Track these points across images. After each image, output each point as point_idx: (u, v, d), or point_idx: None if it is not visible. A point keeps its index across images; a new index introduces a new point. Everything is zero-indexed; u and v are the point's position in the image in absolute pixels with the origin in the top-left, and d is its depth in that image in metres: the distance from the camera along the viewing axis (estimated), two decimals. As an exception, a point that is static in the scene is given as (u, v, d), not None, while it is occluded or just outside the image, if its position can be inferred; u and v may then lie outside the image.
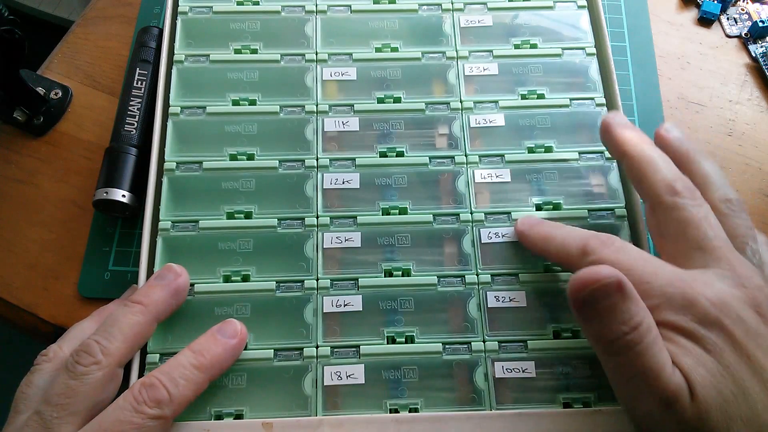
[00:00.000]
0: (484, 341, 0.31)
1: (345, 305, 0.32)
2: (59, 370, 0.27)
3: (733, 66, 0.43)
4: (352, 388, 0.30)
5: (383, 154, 0.35)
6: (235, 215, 0.33)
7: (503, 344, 0.31)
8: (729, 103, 0.41)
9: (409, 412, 0.30)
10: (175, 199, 0.34)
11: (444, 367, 0.31)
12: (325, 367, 0.30)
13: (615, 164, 0.35)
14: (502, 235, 0.33)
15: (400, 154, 0.35)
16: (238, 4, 0.38)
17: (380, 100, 0.36)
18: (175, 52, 0.37)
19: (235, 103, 0.36)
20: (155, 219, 0.33)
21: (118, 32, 0.42)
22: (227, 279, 0.32)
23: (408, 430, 0.29)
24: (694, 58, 0.43)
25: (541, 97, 0.36)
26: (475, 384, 0.30)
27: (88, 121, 0.40)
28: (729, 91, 0.42)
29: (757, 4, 0.44)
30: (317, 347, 0.31)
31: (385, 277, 0.32)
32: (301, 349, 0.31)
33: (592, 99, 0.36)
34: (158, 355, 0.30)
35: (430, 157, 0.35)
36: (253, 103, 0.36)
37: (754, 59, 0.43)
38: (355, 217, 0.33)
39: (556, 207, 0.34)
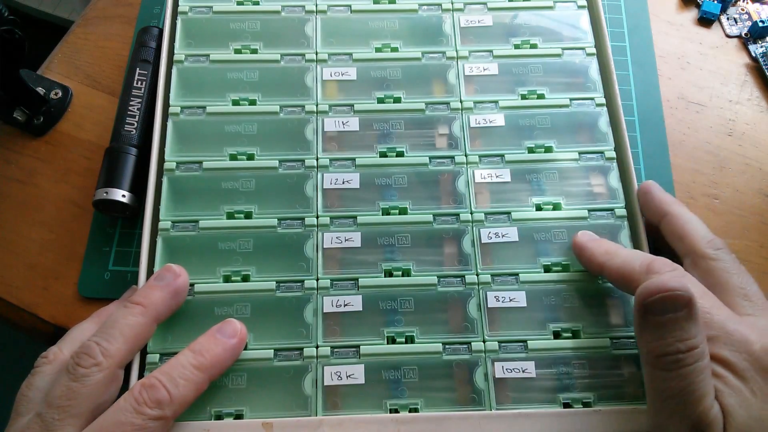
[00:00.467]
0: (484, 341, 0.31)
1: (345, 305, 0.32)
2: (60, 372, 0.27)
3: (733, 66, 0.43)
4: (352, 388, 0.30)
5: (383, 154, 0.35)
6: (235, 215, 0.33)
7: (503, 344, 0.31)
8: (729, 103, 0.41)
9: (409, 412, 0.30)
10: (175, 199, 0.34)
11: (444, 367, 0.31)
12: (325, 367, 0.30)
13: (615, 164, 0.35)
14: (502, 235, 0.33)
15: (400, 154, 0.35)
16: (238, 4, 0.38)
17: (380, 100, 0.36)
18: (175, 52, 0.37)
19: (235, 103, 0.36)
20: (155, 219, 0.33)
21: (118, 32, 0.42)
22: (227, 279, 0.32)
23: (408, 430, 0.29)
24: (694, 58, 0.43)
25: (541, 97, 0.36)
26: (475, 384, 0.30)
27: (88, 121, 0.40)
28: (729, 91, 0.42)
29: (757, 4, 0.44)
30: (317, 347, 0.31)
31: (385, 277, 0.32)
32: (301, 349, 0.31)
33: (592, 99, 0.36)
34: (158, 355, 0.30)
35: (430, 157, 0.35)
36: (253, 103, 0.36)
37: (754, 59, 0.43)
38: (355, 217, 0.33)
39: (556, 207, 0.34)
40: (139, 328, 0.28)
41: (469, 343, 0.31)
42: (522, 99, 0.36)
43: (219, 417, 0.29)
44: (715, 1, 0.44)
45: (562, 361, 0.31)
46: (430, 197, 0.34)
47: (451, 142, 0.35)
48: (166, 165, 0.34)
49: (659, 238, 0.32)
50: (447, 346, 0.31)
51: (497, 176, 0.34)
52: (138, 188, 0.35)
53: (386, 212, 0.34)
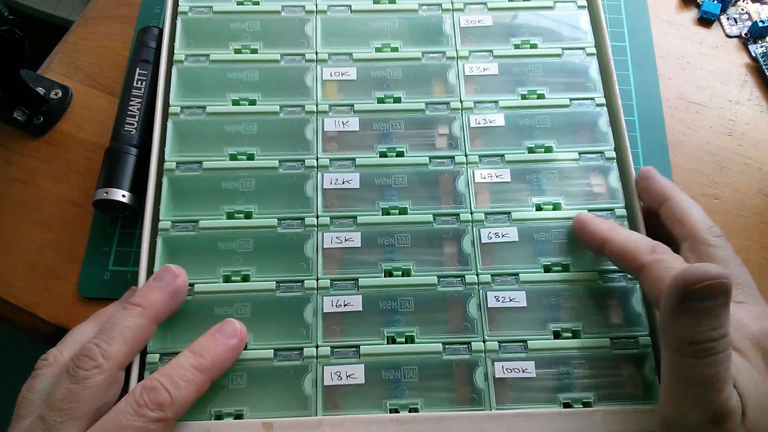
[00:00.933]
0: (484, 341, 0.31)
1: (345, 305, 0.32)
2: (60, 374, 0.27)
3: (733, 66, 0.43)
4: (352, 388, 0.30)
5: (383, 154, 0.35)
6: (235, 215, 0.33)
7: (503, 344, 0.31)
8: (729, 103, 0.41)
9: (409, 412, 0.30)
10: (175, 199, 0.34)
11: (444, 367, 0.31)
12: (325, 367, 0.30)
13: (615, 164, 0.35)
14: (502, 235, 0.33)
15: (400, 154, 0.35)
16: (238, 4, 0.38)
17: (380, 100, 0.36)
18: (175, 52, 0.37)
19: (235, 103, 0.36)
20: (155, 219, 0.33)
21: (118, 32, 0.42)
22: (227, 279, 0.32)
23: (408, 430, 0.29)
24: (694, 58, 0.43)
25: (541, 97, 0.36)
26: (475, 384, 0.30)
27: (88, 121, 0.40)
28: (729, 91, 0.42)
29: (757, 4, 0.44)
30: (317, 347, 0.31)
31: (385, 277, 0.32)
32: (301, 349, 0.31)
33: (592, 99, 0.36)
34: (158, 355, 0.30)
35: (430, 157, 0.35)
36: (253, 103, 0.36)
37: (754, 59, 0.43)
38: (355, 217, 0.33)
39: (556, 207, 0.34)
40: (138, 330, 0.28)
41: (469, 343, 0.31)
42: (522, 99, 0.36)
43: (219, 417, 0.29)
44: (715, 1, 0.44)
45: (562, 361, 0.31)
46: (430, 197, 0.34)
47: (451, 142, 0.35)
48: (166, 165, 0.34)
49: (656, 225, 0.33)
50: (447, 346, 0.31)
51: (497, 176, 0.34)
52: (138, 188, 0.35)
53: (386, 212, 0.34)
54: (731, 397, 0.24)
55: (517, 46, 0.38)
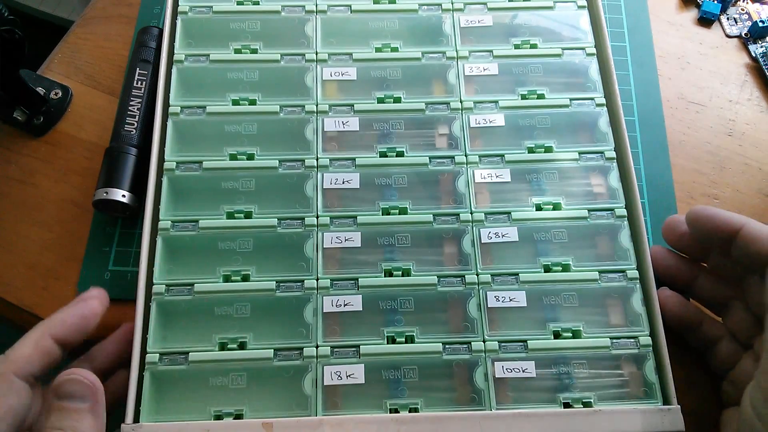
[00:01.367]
0: (484, 341, 0.31)
1: (345, 305, 0.32)
2: None
3: (733, 66, 0.43)
4: (352, 388, 0.30)
5: (383, 154, 0.35)
6: (235, 215, 0.33)
7: (503, 344, 0.31)
8: (729, 103, 0.41)
9: (409, 412, 0.30)
10: (175, 199, 0.34)
11: (444, 367, 0.31)
12: (325, 367, 0.30)
13: (615, 164, 0.35)
14: (502, 235, 0.33)
15: (400, 154, 0.35)
16: (238, 4, 0.38)
17: (380, 100, 0.36)
18: (175, 52, 0.37)
19: (235, 103, 0.36)
20: (155, 219, 0.33)
21: (118, 32, 0.42)
22: (227, 279, 0.32)
23: (408, 430, 0.29)
24: (694, 58, 0.43)
25: (541, 97, 0.36)
26: (475, 384, 0.30)
27: (88, 121, 0.40)
28: (729, 91, 0.42)
29: (757, 4, 0.44)
30: (317, 347, 0.31)
31: (385, 277, 0.32)
32: (301, 349, 0.31)
33: (592, 99, 0.36)
34: (158, 354, 0.30)
35: (430, 157, 0.35)
36: (253, 103, 0.36)
37: (754, 59, 0.43)
38: (355, 217, 0.33)
39: (556, 207, 0.34)
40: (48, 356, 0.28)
41: (469, 342, 0.31)
42: (522, 99, 0.36)
43: (219, 417, 0.29)
44: (715, 1, 0.44)
45: (562, 361, 0.31)
46: (430, 197, 0.34)
47: (451, 142, 0.35)
48: (166, 165, 0.34)
49: (718, 254, 0.31)
50: (447, 346, 0.31)
51: (497, 176, 0.34)
52: (138, 188, 0.35)
53: (386, 212, 0.34)
54: None
55: (517, 46, 0.38)
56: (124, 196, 0.34)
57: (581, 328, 0.32)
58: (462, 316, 0.32)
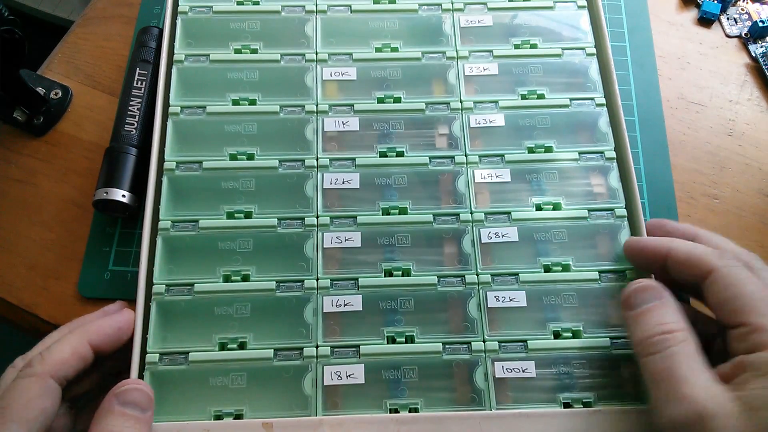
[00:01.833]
0: (484, 341, 0.31)
1: (345, 305, 0.32)
2: None
3: (733, 66, 0.43)
4: (352, 388, 0.30)
5: (383, 154, 0.35)
6: (235, 215, 0.33)
7: (503, 344, 0.31)
8: (729, 103, 0.41)
9: (409, 412, 0.30)
10: (175, 199, 0.34)
11: (444, 367, 0.31)
12: (325, 367, 0.30)
13: (615, 164, 0.35)
14: (502, 235, 0.33)
15: (400, 154, 0.35)
16: (238, 3, 0.38)
17: (380, 100, 0.36)
18: (175, 52, 0.37)
19: (235, 103, 0.36)
20: (155, 219, 0.33)
21: (118, 32, 0.42)
22: (227, 279, 0.32)
23: (408, 430, 0.29)
24: (694, 58, 0.43)
25: (541, 97, 0.36)
26: (475, 384, 0.30)
27: (88, 121, 0.40)
28: (729, 91, 0.42)
29: (757, 4, 0.44)
30: (317, 347, 0.31)
31: (385, 277, 0.32)
32: (301, 349, 0.31)
33: (592, 99, 0.36)
34: (158, 354, 0.30)
35: (430, 157, 0.35)
36: (253, 103, 0.36)
37: (754, 59, 0.43)
38: (355, 217, 0.33)
39: (556, 207, 0.34)
40: (83, 349, 0.28)
41: (469, 342, 0.31)
42: (522, 99, 0.36)
43: (219, 417, 0.29)
44: (715, 1, 0.44)
45: (562, 361, 0.31)
46: (430, 197, 0.34)
47: (451, 142, 0.35)
48: (166, 165, 0.34)
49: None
50: (447, 346, 0.31)
51: (497, 176, 0.34)
52: (138, 188, 0.35)
53: (386, 212, 0.34)
54: (703, 394, 0.24)
55: (517, 46, 0.38)
56: (124, 196, 0.34)
57: (581, 328, 0.32)
58: (462, 316, 0.32)
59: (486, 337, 0.31)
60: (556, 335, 0.31)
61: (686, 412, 0.24)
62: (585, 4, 0.39)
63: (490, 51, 0.37)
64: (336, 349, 0.31)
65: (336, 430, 0.29)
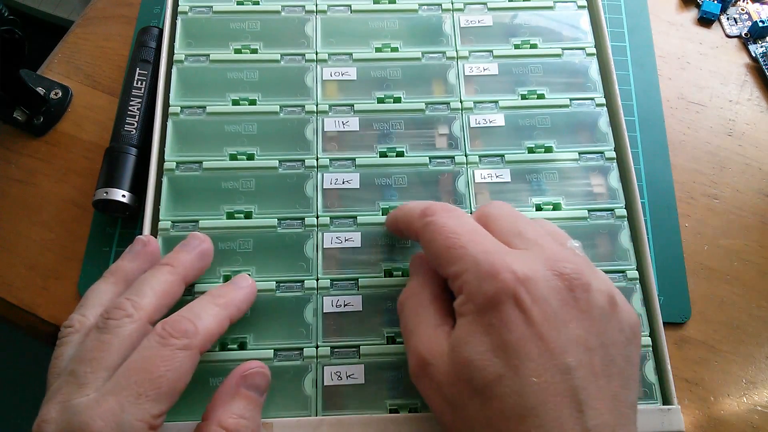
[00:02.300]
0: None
1: (345, 305, 0.32)
2: (88, 334, 0.27)
3: (733, 66, 0.43)
4: (352, 388, 0.30)
5: (383, 154, 0.35)
6: (235, 215, 0.33)
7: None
8: (729, 103, 0.41)
9: (409, 412, 0.30)
10: (175, 199, 0.34)
11: (444, 367, 0.31)
12: (325, 367, 0.30)
13: (615, 164, 0.35)
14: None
15: (400, 154, 0.35)
16: (238, 3, 0.38)
17: (380, 100, 0.36)
18: (175, 52, 0.37)
19: (235, 103, 0.36)
20: (155, 219, 0.33)
21: (118, 32, 0.42)
22: (227, 279, 0.32)
23: (408, 430, 0.29)
24: (694, 58, 0.43)
25: (541, 97, 0.36)
26: (475, 384, 0.30)
27: (88, 121, 0.40)
28: (729, 91, 0.42)
29: (757, 4, 0.44)
30: (317, 347, 0.31)
31: (385, 277, 0.32)
32: (301, 349, 0.31)
33: (592, 99, 0.36)
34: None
35: (430, 157, 0.35)
36: (253, 103, 0.36)
37: (754, 59, 0.43)
38: (355, 217, 0.33)
39: (556, 207, 0.34)
40: (167, 285, 0.29)
41: (469, 343, 0.31)
42: (522, 99, 0.36)
43: (219, 417, 0.29)
44: (715, 1, 0.44)
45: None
46: (430, 197, 0.34)
47: (451, 142, 0.35)
48: (166, 165, 0.34)
49: None
50: (447, 346, 0.31)
51: (497, 176, 0.34)
52: (138, 188, 0.35)
53: (386, 212, 0.34)
54: (431, 337, 0.26)
55: (517, 46, 0.38)
56: (124, 196, 0.34)
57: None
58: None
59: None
60: (556, 335, 0.31)
61: (414, 362, 0.26)
62: (585, 4, 0.39)
63: (490, 51, 0.37)
64: (336, 349, 0.31)
65: (336, 430, 0.29)
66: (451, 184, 0.34)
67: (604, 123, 0.36)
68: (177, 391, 0.25)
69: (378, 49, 0.37)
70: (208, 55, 0.37)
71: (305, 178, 0.34)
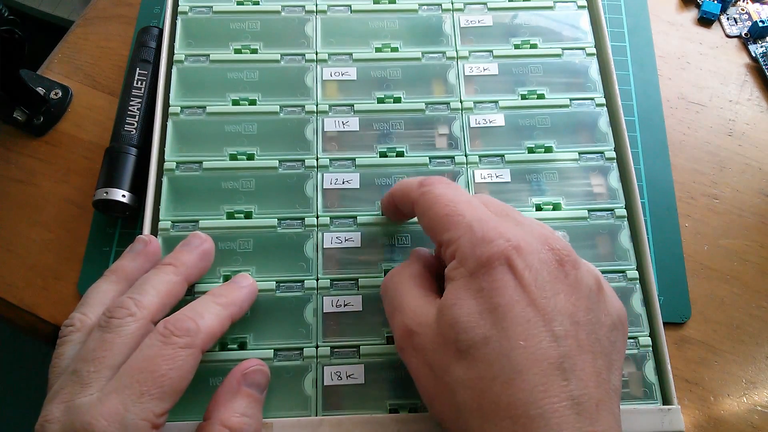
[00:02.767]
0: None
1: (345, 305, 0.32)
2: (90, 333, 0.27)
3: (733, 66, 0.43)
4: (352, 388, 0.30)
5: (383, 154, 0.35)
6: (235, 215, 0.33)
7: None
8: (729, 103, 0.41)
9: (409, 412, 0.30)
10: (175, 199, 0.34)
11: (444, 367, 0.31)
12: (325, 367, 0.30)
13: (615, 164, 0.35)
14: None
15: (400, 154, 0.35)
16: (238, 3, 0.38)
17: (380, 100, 0.36)
18: (175, 52, 0.37)
19: (235, 103, 0.36)
20: (155, 219, 0.33)
21: (118, 32, 0.42)
22: (227, 279, 0.32)
23: (408, 430, 0.29)
24: (694, 58, 0.43)
25: (541, 97, 0.36)
26: (475, 384, 0.30)
27: (88, 121, 0.40)
28: (729, 91, 0.42)
29: (757, 4, 0.44)
30: (317, 347, 0.31)
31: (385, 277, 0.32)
32: (301, 349, 0.31)
33: (592, 99, 0.36)
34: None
35: (430, 157, 0.35)
36: (253, 103, 0.36)
37: (754, 59, 0.43)
38: (355, 217, 0.33)
39: (556, 207, 0.34)
40: (170, 285, 0.29)
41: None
42: (522, 99, 0.36)
43: (219, 417, 0.29)
44: (715, 1, 0.44)
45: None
46: (430, 197, 0.34)
47: (451, 142, 0.35)
48: (166, 165, 0.34)
49: None
50: (447, 346, 0.31)
51: (497, 176, 0.34)
52: (138, 188, 0.35)
53: (386, 212, 0.34)
54: (418, 308, 0.26)
55: (517, 46, 0.38)
56: (124, 196, 0.34)
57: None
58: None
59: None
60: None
61: (399, 334, 0.26)
62: (585, 4, 0.39)
63: (490, 51, 0.37)
64: (336, 349, 0.31)
65: (336, 430, 0.29)
66: (451, 184, 0.34)
67: (604, 123, 0.36)
68: (179, 389, 0.25)
69: (378, 49, 0.37)
70: (208, 55, 0.37)
71: (305, 178, 0.34)
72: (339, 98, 0.36)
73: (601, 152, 0.35)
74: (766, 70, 0.42)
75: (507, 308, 0.23)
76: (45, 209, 0.37)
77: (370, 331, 0.31)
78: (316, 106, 0.36)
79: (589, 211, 0.34)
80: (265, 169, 0.34)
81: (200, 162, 0.34)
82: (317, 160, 0.35)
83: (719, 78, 0.42)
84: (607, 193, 0.34)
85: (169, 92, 0.36)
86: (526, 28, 0.38)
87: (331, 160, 0.35)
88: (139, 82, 0.38)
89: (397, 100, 0.36)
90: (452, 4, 0.39)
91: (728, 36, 0.44)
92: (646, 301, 0.32)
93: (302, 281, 0.32)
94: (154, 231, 0.33)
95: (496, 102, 0.36)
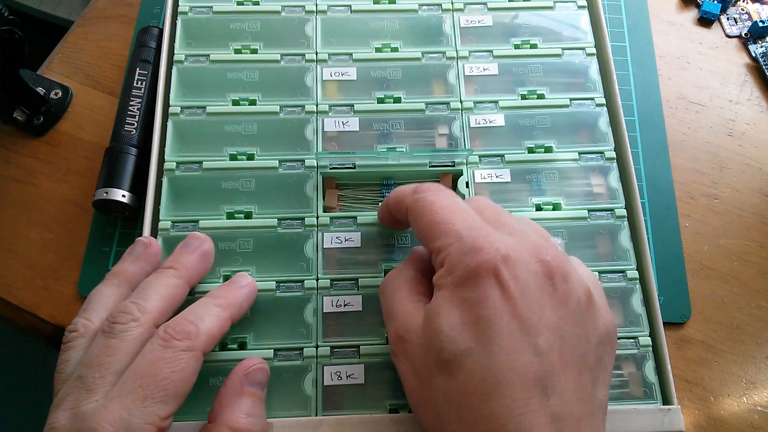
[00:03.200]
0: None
1: (345, 305, 0.32)
2: (94, 339, 0.27)
3: (733, 66, 0.43)
4: (352, 388, 0.30)
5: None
6: (235, 215, 0.33)
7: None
8: (729, 103, 0.41)
9: (409, 412, 0.30)
10: (175, 199, 0.34)
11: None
12: (325, 367, 0.30)
13: (615, 164, 0.35)
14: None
15: (400, 154, 0.35)
16: (238, 4, 0.38)
17: (380, 100, 0.36)
18: (175, 52, 0.37)
19: (235, 103, 0.36)
20: (155, 219, 0.33)
21: (118, 32, 0.42)
22: (227, 279, 0.32)
23: (408, 430, 0.29)
24: (694, 58, 0.43)
25: (541, 97, 0.36)
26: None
27: (88, 121, 0.40)
28: (729, 91, 0.42)
29: (757, 4, 0.44)
30: (317, 347, 0.31)
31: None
32: (301, 349, 0.31)
33: (592, 99, 0.36)
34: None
35: (431, 158, 0.35)
36: (253, 103, 0.36)
37: (754, 59, 0.43)
38: (355, 217, 0.33)
39: (556, 207, 0.34)
40: (173, 289, 0.29)
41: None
42: (522, 99, 0.36)
43: (219, 417, 0.29)
44: (715, 1, 0.44)
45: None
46: (430, 197, 0.34)
47: (451, 142, 0.35)
48: (166, 165, 0.34)
49: None
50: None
51: (497, 176, 0.34)
52: (138, 188, 0.35)
53: (386, 212, 0.34)
54: (408, 314, 0.26)
55: (517, 46, 0.38)
56: (124, 196, 0.34)
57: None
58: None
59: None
60: (556, 335, 0.31)
61: (392, 341, 0.26)
62: (585, 4, 0.39)
63: (490, 51, 0.37)
64: (336, 349, 0.31)
65: (336, 430, 0.29)
66: (452, 184, 0.34)
67: (604, 123, 0.36)
68: (183, 392, 0.26)
69: (378, 49, 0.37)
70: (208, 56, 0.37)
71: (305, 178, 0.34)
72: (339, 98, 0.36)
73: (601, 152, 0.35)
74: (766, 70, 0.42)
75: (491, 320, 0.23)
76: (45, 209, 0.37)
77: (370, 331, 0.31)
78: (316, 106, 0.36)
79: (589, 211, 0.34)
80: (265, 169, 0.34)
81: (200, 162, 0.34)
82: (317, 160, 0.35)
83: (719, 78, 0.42)
84: (607, 193, 0.34)
85: (169, 92, 0.36)
86: (526, 28, 0.38)
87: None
88: (139, 82, 0.38)
89: (397, 100, 0.36)
90: (452, 4, 0.39)
91: (728, 36, 0.44)
92: (646, 301, 0.32)
93: (302, 281, 0.32)
94: (154, 231, 0.33)
95: (496, 102, 0.36)
